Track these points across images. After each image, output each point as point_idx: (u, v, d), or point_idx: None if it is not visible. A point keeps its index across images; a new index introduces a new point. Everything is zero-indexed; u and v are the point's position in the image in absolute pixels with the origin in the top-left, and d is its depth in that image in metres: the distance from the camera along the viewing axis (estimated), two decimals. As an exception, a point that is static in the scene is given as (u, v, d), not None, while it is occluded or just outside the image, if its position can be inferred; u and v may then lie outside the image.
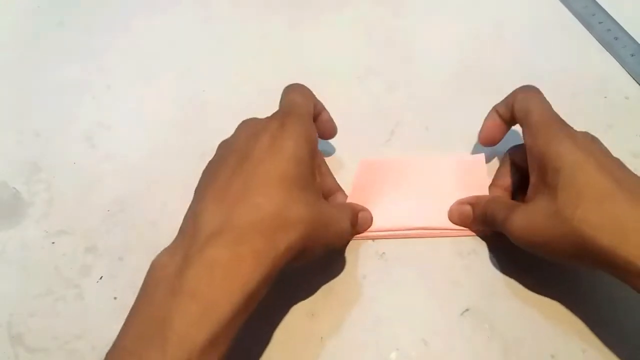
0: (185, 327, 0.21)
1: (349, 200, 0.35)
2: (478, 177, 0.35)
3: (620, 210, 0.24)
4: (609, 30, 0.45)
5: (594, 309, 0.30)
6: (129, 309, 0.29)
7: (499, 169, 0.36)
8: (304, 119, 0.30)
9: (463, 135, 0.39)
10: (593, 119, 0.39)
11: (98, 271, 0.35)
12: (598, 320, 0.30)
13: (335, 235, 0.29)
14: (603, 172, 0.26)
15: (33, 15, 0.53)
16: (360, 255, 0.34)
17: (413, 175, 0.37)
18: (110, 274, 0.35)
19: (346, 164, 0.38)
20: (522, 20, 0.47)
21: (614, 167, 0.27)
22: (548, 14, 0.48)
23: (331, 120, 0.36)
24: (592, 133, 0.31)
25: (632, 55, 0.43)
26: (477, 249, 0.33)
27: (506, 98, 0.34)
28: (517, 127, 0.34)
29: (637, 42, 0.44)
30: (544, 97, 0.32)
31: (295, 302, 0.32)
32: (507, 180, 0.34)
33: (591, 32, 0.46)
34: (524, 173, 0.32)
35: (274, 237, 0.24)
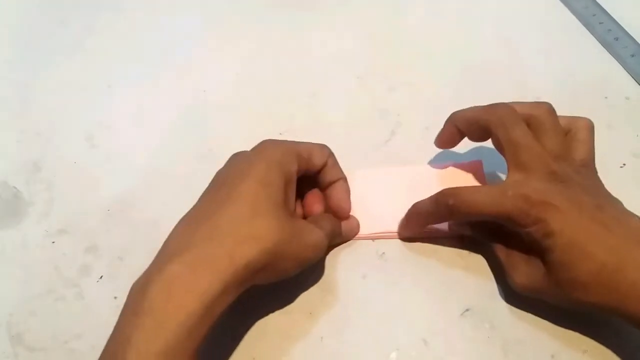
0: (142, 342, 0.23)
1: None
2: (476, 182, 0.35)
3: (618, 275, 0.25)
4: (610, 30, 0.45)
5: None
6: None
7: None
8: (283, 149, 0.30)
9: (463, 135, 0.39)
10: (593, 119, 0.38)
11: (98, 271, 0.35)
12: (598, 320, 0.30)
13: (306, 248, 0.29)
14: (593, 237, 0.26)
15: (33, 15, 0.53)
16: (360, 255, 0.34)
17: (409, 183, 0.36)
18: (110, 274, 0.35)
19: (346, 164, 0.38)
20: (522, 20, 0.47)
21: (597, 210, 0.27)
22: (548, 14, 0.48)
23: (344, 192, 0.34)
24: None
25: (633, 56, 0.43)
26: (477, 249, 0.33)
27: (471, 113, 0.32)
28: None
29: (638, 43, 0.44)
30: (523, 127, 0.30)
31: (295, 302, 0.32)
32: None
33: (591, 33, 0.46)
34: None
35: (233, 252, 0.25)
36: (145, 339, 0.23)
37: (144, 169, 0.40)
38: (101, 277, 0.35)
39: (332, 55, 0.46)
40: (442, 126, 0.34)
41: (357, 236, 0.34)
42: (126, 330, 0.24)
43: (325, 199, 0.33)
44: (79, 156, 0.41)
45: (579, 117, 0.31)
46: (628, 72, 0.42)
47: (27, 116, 0.44)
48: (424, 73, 0.44)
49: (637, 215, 0.27)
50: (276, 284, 0.28)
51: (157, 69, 0.46)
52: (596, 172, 0.30)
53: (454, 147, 0.35)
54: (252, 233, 0.26)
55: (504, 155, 0.30)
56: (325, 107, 0.42)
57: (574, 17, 0.47)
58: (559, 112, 0.31)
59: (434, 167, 0.37)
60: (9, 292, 0.34)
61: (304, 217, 0.33)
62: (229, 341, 0.31)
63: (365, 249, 0.34)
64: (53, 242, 0.36)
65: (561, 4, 0.48)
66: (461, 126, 0.33)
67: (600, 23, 0.46)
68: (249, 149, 0.32)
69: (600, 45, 0.45)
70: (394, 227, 0.34)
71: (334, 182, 0.33)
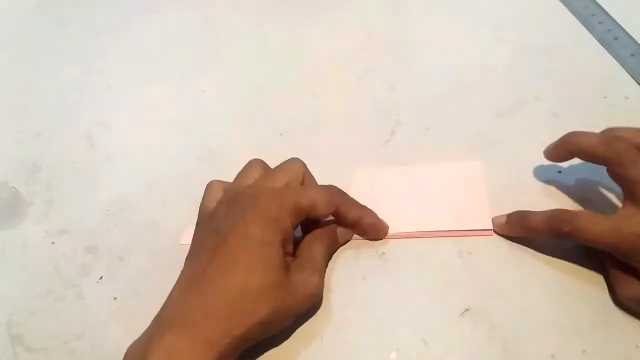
0: None
1: None
2: (474, 183, 0.35)
3: None
4: (609, 30, 0.45)
5: (594, 309, 0.30)
6: (128, 309, 0.29)
7: None
8: (280, 204, 0.29)
9: (463, 135, 0.39)
10: (593, 119, 0.39)
11: (98, 271, 0.35)
12: (598, 320, 0.30)
13: (302, 302, 0.29)
14: None
15: (33, 15, 0.53)
16: (360, 255, 0.34)
17: (409, 183, 0.37)
18: (110, 274, 0.35)
19: (346, 164, 0.38)
20: (522, 20, 0.47)
21: None
22: (548, 14, 0.48)
23: (373, 227, 0.33)
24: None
25: (632, 56, 0.43)
26: (477, 249, 0.33)
27: (587, 144, 0.31)
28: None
29: (637, 42, 0.44)
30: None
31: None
32: None
33: (591, 32, 0.46)
34: None
35: (229, 324, 0.26)
36: None
37: (143, 169, 0.40)
38: (101, 278, 0.35)
39: (332, 55, 0.46)
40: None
41: (356, 236, 0.34)
42: None
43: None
44: (78, 156, 0.41)
45: None
46: (628, 72, 0.42)
47: (27, 116, 0.44)
48: (424, 73, 0.44)
49: None
50: None
51: (157, 69, 0.46)
52: None
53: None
54: (248, 308, 0.27)
55: (620, 186, 0.30)
56: (325, 107, 0.42)
57: (573, 17, 0.47)
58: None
59: (433, 167, 0.37)
60: (9, 292, 0.34)
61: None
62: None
63: (365, 249, 0.34)
64: (53, 242, 0.36)
65: (561, 4, 0.48)
66: (576, 154, 0.32)
67: (599, 23, 0.46)
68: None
69: (599, 45, 0.45)
70: (395, 228, 0.34)
71: (356, 221, 0.33)
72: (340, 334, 0.31)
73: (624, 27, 0.45)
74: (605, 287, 0.30)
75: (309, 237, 0.32)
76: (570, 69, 0.43)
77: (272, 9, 0.51)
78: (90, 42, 0.49)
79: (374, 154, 0.39)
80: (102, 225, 0.37)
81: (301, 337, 0.31)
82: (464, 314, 0.31)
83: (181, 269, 0.29)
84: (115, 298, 0.33)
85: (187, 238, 0.34)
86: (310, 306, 0.30)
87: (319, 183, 0.34)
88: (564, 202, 0.34)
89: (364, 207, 0.33)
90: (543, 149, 0.34)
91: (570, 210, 0.30)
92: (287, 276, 0.29)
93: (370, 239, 0.34)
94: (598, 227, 0.28)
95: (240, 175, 0.33)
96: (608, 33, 0.45)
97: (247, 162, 0.33)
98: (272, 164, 0.33)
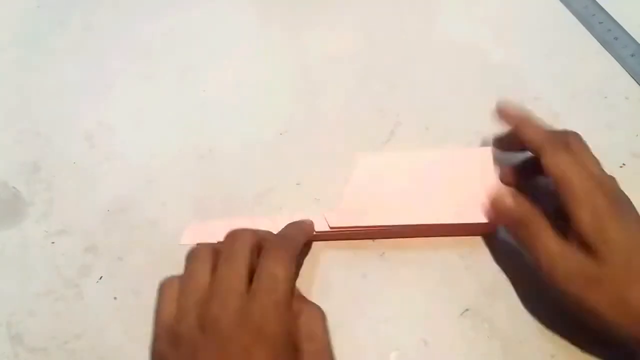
0: None
1: (345, 198, 0.34)
2: (484, 170, 0.34)
3: None
4: (609, 30, 0.45)
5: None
6: (128, 309, 0.29)
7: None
8: (281, 319, 0.26)
9: (463, 135, 0.39)
10: (593, 119, 0.39)
11: (98, 271, 0.35)
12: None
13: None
14: None
15: (33, 15, 0.53)
16: (360, 255, 0.34)
17: (415, 169, 0.35)
18: (110, 274, 0.35)
19: (346, 164, 0.38)
20: (522, 20, 0.47)
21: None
22: (548, 14, 0.48)
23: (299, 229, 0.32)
24: (592, 133, 0.31)
25: (632, 56, 0.43)
26: (477, 249, 0.33)
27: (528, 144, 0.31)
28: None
29: (637, 42, 0.44)
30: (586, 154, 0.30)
31: (295, 302, 0.32)
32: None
33: (591, 32, 0.46)
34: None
35: None
36: None
37: (143, 169, 0.40)
38: (101, 278, 0.35)
39: (332, 55, 0.46)
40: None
41: (356, 236, 0.34)
42: None
43: None
44: (78, 156, 0.41)
45: None
46: (628, 72, 0.42)
47: (27, 116, 0.44)
48: (424, 73, 0.44)
49: None
50: None
51: (157, 69, 0.46)
52: None
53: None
54: None
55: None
56: (325, 107, 0.42)
57: (573, 17, 0.47)
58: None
59: (441, 152, 0.36)
60: (9, 292, 0.34)
61: None
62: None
63: (365, 249, 0.34)
64: (53, 242, 0.36)
65: (561, 4, 0.48)
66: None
67: (599, 23, 0.46)
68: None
69: (599, 45, 0.45)
70: (398, 219, 0.33)
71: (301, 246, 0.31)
72: (340, 333, 0.31)
73: (624, 27, 0.45)
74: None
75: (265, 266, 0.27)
76: (570, 69, 0.43)
77: (272, 9, 0.51)
78: (90, 42, 0.49)
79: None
80: (102, 225, 0.37)
81: (301, 337, 0.31)
82: (464, 314, 0.31)
83: (181, 269, 0.28)
84: (115, 298, 0.33)
85: (187, 238, 0.34)
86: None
87: (319, 183, 0.33)
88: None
89: (290, 230, 0.32)
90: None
91: (538, 222, 0.29)
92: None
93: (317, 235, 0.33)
94: (546, 252, 0.28)
95: (190, 273, 0.28)
96: (608, 33, 0.45)
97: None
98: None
